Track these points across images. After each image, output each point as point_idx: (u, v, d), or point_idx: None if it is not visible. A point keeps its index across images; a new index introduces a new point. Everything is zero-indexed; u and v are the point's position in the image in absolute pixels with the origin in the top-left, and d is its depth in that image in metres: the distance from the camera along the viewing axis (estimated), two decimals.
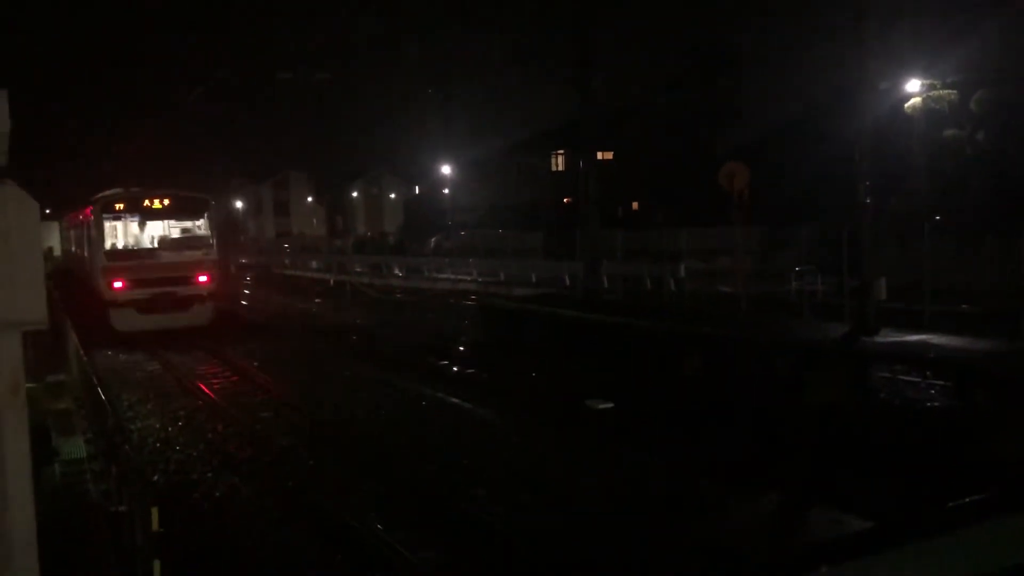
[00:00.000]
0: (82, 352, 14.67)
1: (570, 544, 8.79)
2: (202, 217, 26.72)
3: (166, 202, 26.22)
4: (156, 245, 26.33)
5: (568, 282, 29.11)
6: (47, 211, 60.90)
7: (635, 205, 50.03)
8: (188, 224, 26.78)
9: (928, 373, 13.74)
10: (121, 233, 26.51)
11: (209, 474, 11.68)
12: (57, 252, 44.78)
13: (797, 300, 20.19)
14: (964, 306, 17.93)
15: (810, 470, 10.83)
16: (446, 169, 56.65)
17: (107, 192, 27.89)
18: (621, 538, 8.92)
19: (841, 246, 18.17)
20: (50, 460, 10.75)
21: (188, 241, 26.31)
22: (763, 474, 10.74)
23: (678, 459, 11.57)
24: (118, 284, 24.36)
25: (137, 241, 26.55)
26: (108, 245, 25.59)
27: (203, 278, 25.35)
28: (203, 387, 17.57)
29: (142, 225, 26.37)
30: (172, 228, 26.90)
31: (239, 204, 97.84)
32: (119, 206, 26.15)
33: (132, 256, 25.50)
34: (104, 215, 25.64)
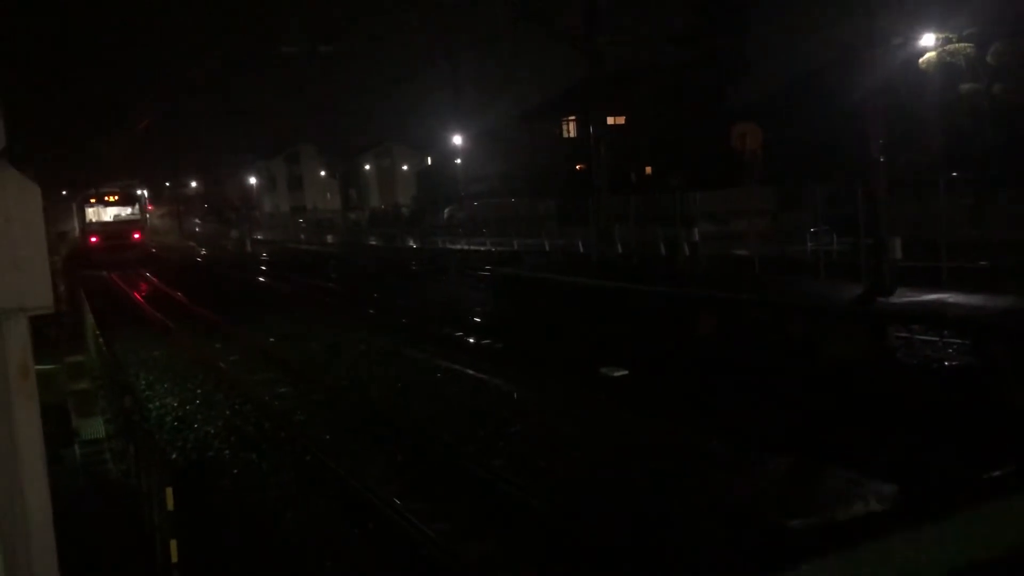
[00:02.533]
0: (99, 333, 14.79)
1: (587, 510, 8.83)
2: (137, 203, 51.32)
3: (115, 197, 50.41)
4: (112, 219, 49.07)
5: (582, 249, 29.02)
6: (63, 192, 63.86)
7: (648, 169, 49.62)
8: (129, 208, 50.22)
9: (945, 332, 13.64)
10: (94, 214, 49.16)
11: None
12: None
13: (812, 260, 20.04)
14: (982, 262, 17.73)
15: (827, 431, 10.81)
16: (457, 139, 56.37)
17: (85, 192, 51.33)
18: (638, 502, 8.94)
19: (855, 204, 17.97)
20: (69, 441, 10.88)
21: (128, 216, 49.69)
22: (779, 435, 10.73)
23: (693, 423, 11.57)
24: (93, 239, 48.00)
25: (102, 217, 49.11)
26: (87, 220, 48.75)
27: (136, 236, 49.18)
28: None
29: (104, 208, 49.43)
30: (121, 209, 49.82)
31: (252, 180, 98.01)
32: (92, 200, 49.77)
33: (99, 225, 48.62)
34: (84, 205, 49.63)
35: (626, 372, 14.92)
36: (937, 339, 14.29)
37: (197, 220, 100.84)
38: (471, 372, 15.74)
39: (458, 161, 60.55)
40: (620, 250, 26.31)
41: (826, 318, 14.71)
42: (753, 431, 11.04)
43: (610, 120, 43.07)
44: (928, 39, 28.06)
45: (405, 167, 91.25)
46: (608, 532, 8.26)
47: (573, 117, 53.33)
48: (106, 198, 50.01)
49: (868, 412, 11.50)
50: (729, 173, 24.98)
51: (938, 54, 28.51)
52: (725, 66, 44.74)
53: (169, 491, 6.57)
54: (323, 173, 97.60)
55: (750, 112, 27.55)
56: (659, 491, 9.22)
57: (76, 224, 52.25)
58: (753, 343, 15.31)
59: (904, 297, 14.79)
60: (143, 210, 51.93)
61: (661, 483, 9.46)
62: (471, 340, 19.35)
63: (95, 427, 11.96)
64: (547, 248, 31.32)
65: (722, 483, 9.37)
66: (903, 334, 14.31)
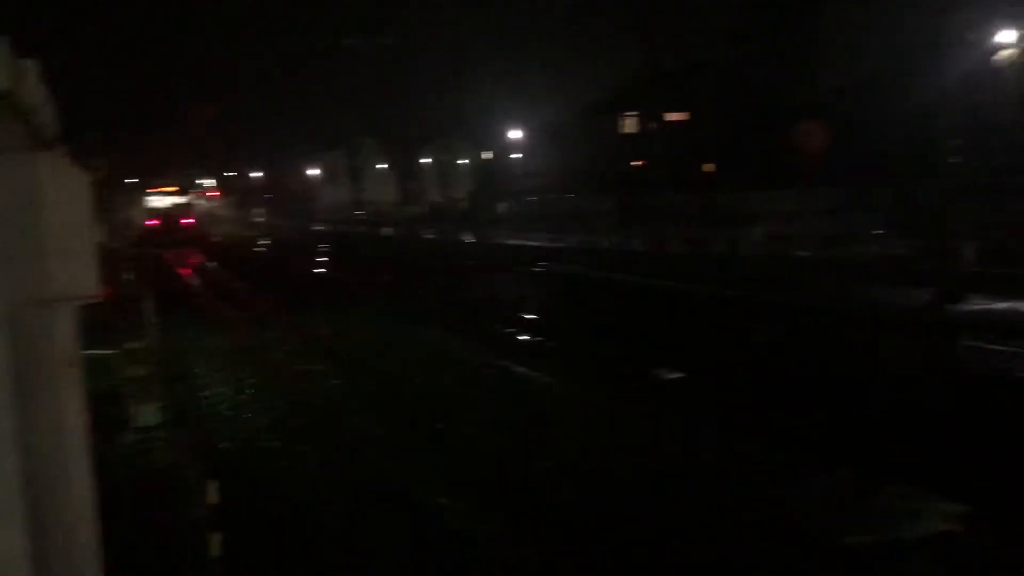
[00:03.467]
0: (155, 320, 14.99)
1: (636, 519, 8.60)
2: (188, 194, 66.75)
3: (172, 188, 64.72)
4: (168, 206, 62.16)
5: (638, 247, 28.63)
6: (135, 180, 71.05)
7: (708, 167, 48.80)
8: (182, 198, 64.69)
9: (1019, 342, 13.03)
10: (155, 202, 62.79)
11: None
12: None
13: (876, 264, 19.40)
14: None
15: (889, 444, 10.38)
16: (515, 134, 56.17)
17: (148, 182, 65.92)
18: (689, 512, 8.68)
19: (923, 207, 17.36)
20: (123, 427, 11.01)
21: (182, 203, 63.50)
22: (837, 447, 10.34)
23: (749, 431, 11.23)
24: (153, 222, 59.58)
25: (162, 205, 62.41)
26: (148, 207, 62.04)
27: (187, 220, 60.84)
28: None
29: (163, 197, 63.16)
30: (176, 198, 63.85)
31: (313, 171, 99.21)
32: (153, 190, 63.95)
33: (158, 211, 61.32)
34: (146, 195, 63.50)
35: (680, 375, 14.60)
36: (1008, 349, 13.66)
37: (259, 210, 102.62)
38: (521, 370, 15.58)
39: (516, 156, 60.37)
40: (677, 249, 25.87)
41: (890, 325, 14.19)
42: (810, 441, 10.66)
43: (671, 116, 42.39)
44: (1006, 35, 26.95)
45: (463, 161, 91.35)
46: (653, 542, 8.02)
47: (634, 113, 52.69)
48: (164, 189, 65.53)
49: (932, 425, 11.02)
50: (792, 172, 24.32)
51: (1017, 51, 27.38)
52: (792, 63, 43.69)
53: (212, 485, 6.55)
54: (382, 166, 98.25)
55: (817, 111, 26.78)
56: (710, 501, 8.93)
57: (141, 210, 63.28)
58: (812, 349, 14.85)
59: (975, 304, 14.18)
60: (195, 199, 70.12)
61: (712, 493, 9.16)
62: (523, 337, 19.18)
63: (149, 414, 12.07)
64: (603, 245, 30.98)
65: (776, 495, 9.04)
66: (972, 343, 13.71)
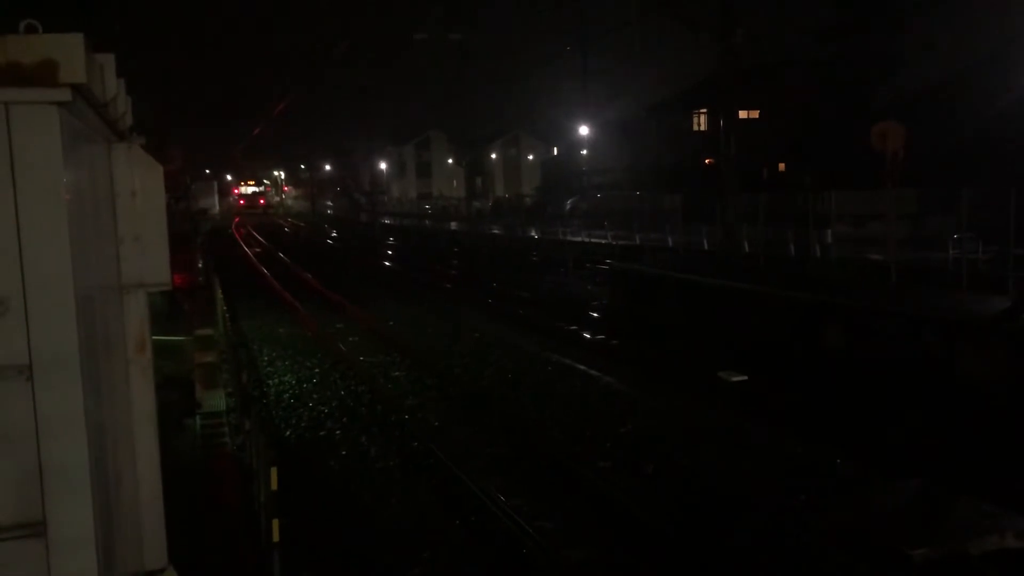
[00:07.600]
0: (225, 308, 15.32)
1: (694, 522, 8.48)
2: (263, 184, 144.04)
3: (252, 181, 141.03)
4: (249, 192, 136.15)
5: (707, 246, 28.22)
6: (207, 171, 73.70)
7: (781, 166, 47.84)
8: (258, 187, 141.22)
9: None
10: (242, 189, 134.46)
11: None
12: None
13: (954, 269, 18.75)
14: None
15: (959, 456, 10.04)
16: (583, 130, 55.97)
17: (239, 173, 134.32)
18: (749, 518, 8.52)
19: (1007, 210, 16.71)
20: (192, 412, 11.30)
21: (258, 191, 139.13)
22: (906, 457, 10.04)
23: (814, 437, 10.98)
24: (241, 202, 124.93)
25: (244, 192, 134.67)
26: (239, 192, 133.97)
27: (262, 201, 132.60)
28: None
29: (246, 187, 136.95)
30: (255, 187, 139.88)
31: (383, 165, 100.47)
32: (241, 181, 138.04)
33: (242, 195, 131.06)
34: (239, 185, 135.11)
35: (745, 377, 14.36)
36: None
37: (329, 202, 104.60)
38: (583, 368, 15.51)
39: (583, 152, 60.15)
40: (747, 249, 25.40)
41: (966, 332, 13.70)
42: (877, 450, 10.38)
43: (743, 114, 41.66)
44: None
45: (531, 157, 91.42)
46: (713, 545, 7.90)
47: (704, 110, 51.92)
48: (247, 181, 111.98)
49: (1007, 439, 10.63)
50: (869, 173, 23.63)
51: None
52: (872, 63, 42.51)
53: (274, 471, 6.65)
54: (451, 161, 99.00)
55: (897, 110, 25.95)
56: (773, 507, 8.76)
57: (216, 199, 76.94)
58: (883, 356, 14.45)
59: None
60: (266, 188, 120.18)
61: (776, 499, 8.98)
62: (586, 335, 19.10)
63: (217, 400, 12.37)
64: (670, 244, 30.59)
65: (841, 503, 8.82)
66: None
